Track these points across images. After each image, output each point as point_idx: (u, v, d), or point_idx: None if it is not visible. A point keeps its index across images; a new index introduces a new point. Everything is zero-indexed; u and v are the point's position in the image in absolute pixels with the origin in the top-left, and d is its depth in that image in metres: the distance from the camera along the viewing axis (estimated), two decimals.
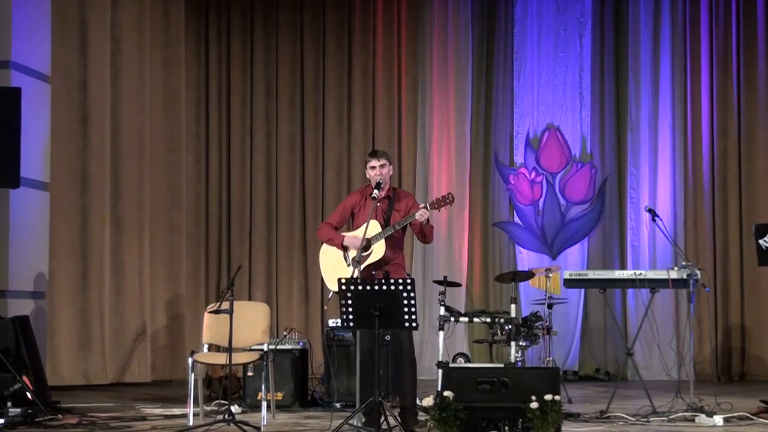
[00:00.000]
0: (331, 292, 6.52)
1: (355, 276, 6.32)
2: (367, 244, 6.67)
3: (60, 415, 7.44)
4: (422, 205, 6.65)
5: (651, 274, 7.76)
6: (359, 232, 6.70)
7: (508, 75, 11.97)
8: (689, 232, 11.53)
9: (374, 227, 6.71)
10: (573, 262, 11.61)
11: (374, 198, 6.72)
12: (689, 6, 11.69)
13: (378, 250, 6.70)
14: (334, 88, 12.05)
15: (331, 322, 8.41)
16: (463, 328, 11.17)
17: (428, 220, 6.70)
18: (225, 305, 6.71)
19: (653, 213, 7.94)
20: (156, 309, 10.87)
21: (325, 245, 6.97)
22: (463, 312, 8.00)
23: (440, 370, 6.43)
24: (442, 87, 12.01)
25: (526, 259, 11.80)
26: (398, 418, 6.47)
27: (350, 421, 6.36)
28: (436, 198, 6.79)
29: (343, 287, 6.14)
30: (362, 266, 6.62)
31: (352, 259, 6.60)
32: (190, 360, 7.21)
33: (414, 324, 6.12)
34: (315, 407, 8.28)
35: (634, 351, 8.79)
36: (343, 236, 6.84)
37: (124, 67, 10.47)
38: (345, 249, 6.81)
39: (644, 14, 11.75)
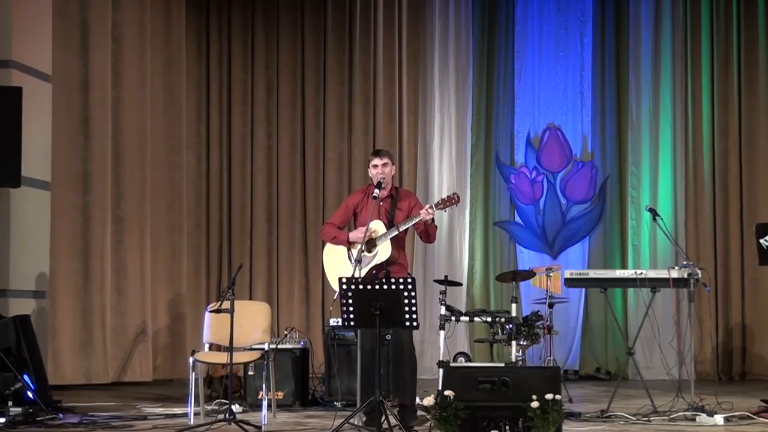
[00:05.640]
0: (336, 293, 6.52)
1: (357, 275, 6.33)
2: (372, 245, 6.68)
3: (61, 415, 7.45)
4: (428, 205, 6.67)
5: (652, 274, 7.77)
6: (363, 230, 6.69)
7: (509, 74, 11.98)
8: (690, 231, 11.54)
9: (378, 227, 6.72)
10: (574, 261, 11.61)
11: (375, 197, 6.73)
12: (690, 5, 11.70)
13: (384, 251, 6.70)
14: (334, 87, 12.05)
15: (332, 322, 8.41)
16: (464, 327, 11.19)
17: (433, 219, 6.71)
18: (226, 304, 6.71)
19: (654, 212, 7.94)
20: (157, 308, 10.87)
21: (328, 246, 6.97)
22: (463, 311, 8.01)
23: (441, 370, 6.43)
24: (442, 87, 12.02)
25: (526, 258, 11.81)
26: (398, 415, 6.47)
27: (351, 421, 6.37)
28: (441, 198, 6.82)
29: (344, 286, 6.15)
30: (368, 267, 6.63)
31: (355, 258, 6.60)
32: (191, 359, 7.22)
33: (415, 323, 6.13)
34: (316, 407, 8.28)
35: (635, 350, 8.79)
36: (349, 233, 6.84)
37: (125, 67, 10.47)
38: (351, 245, 6.80)
39: (645, 14, 11.76)
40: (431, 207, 6.64)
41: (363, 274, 6.54)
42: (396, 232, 6.70)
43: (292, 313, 11.73)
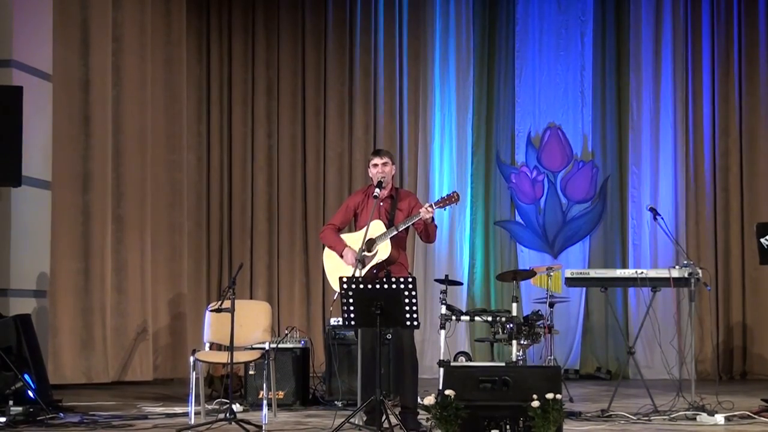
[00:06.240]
0: (336, 293, 6.51)
1: (357, 276, 6.33)
2: (371, 245, 6.67)
3: (62, 414, 7.45)
4: (427, 204, 6.66)
5: (652, 273, 7.76)
6: (361, 235, 6.68)
7: (510, 74, 11.98)
8: (691, 230, 11.54)
9: (378, 227, 6.71)
10: (574, 260, 11.61)
11: (376, 197, 6.72)
12: (690, 5, 11.70)
13: (383, 251, 6.69)
14: (335, 87, 12.05)
15: (333, 321, 8.41)
16: (465, 326, 11.19)
17: (433, 218, 6.70)
18: (226, 304, 6.70)
19: (655, 212, 7.94)
20: (158, 308, 10.87)
21: (328, 248, 6.97)
22: (464, 311, 8.01)
23: (441, 369, 6.42)
24: (443, 86, 12.02)
25: (527, 257, 11.80)
26: (399, 416, 6.46)
27: (351, 420, 6.36)
28: (441, 197, 6.81)
29: (345, 286, 6.15)
30: (367, 267, 6.62)
31: (356, 258, 6.59)
32: (191, 358, 7.21)
33: (415, 323, 6.12)
34: (316, 406, 8.28)
35: (636, 350, 8.79)
36: (345, 246, 6.80)
37: (125, 66, 10.47)
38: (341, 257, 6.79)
39: (645, 13, 11.76)
40: (431, 205, 6.63)
41: (363, 273, 6.53)
42: (395, 232, 6.69)
43: (293, 313, 11.73)
